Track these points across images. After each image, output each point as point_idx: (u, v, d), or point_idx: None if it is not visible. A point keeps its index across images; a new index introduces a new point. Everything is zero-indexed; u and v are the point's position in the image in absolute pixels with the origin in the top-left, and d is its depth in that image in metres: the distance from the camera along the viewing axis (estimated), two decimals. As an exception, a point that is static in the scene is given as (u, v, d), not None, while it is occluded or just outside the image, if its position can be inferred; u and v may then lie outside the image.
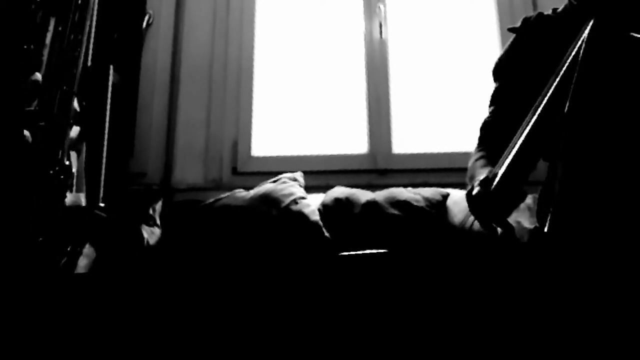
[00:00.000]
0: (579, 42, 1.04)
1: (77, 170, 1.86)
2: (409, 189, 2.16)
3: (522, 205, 1.07)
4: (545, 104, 1.04)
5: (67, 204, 1.71)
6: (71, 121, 1.75)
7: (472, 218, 1.11)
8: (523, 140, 1.05)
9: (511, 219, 1.06)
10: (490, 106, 1.37)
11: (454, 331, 1.47)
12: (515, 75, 1.32)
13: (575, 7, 1.23)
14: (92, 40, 1.97)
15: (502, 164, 1.06)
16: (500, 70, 1.38)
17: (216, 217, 2.03)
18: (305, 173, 2.28)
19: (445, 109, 2.55)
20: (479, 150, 1.30)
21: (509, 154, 1.06)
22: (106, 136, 2.09)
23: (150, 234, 1.99)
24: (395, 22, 2.66)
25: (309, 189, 2.20)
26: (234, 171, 2.47)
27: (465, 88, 2.55)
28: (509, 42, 1.39)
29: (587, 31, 1.04)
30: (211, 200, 2.12)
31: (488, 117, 1.36)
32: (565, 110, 1.00)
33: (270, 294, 1.55)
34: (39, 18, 1.70)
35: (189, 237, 2.01)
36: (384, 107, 2.54)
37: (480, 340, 1.44)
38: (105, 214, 1.85)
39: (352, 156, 2.49)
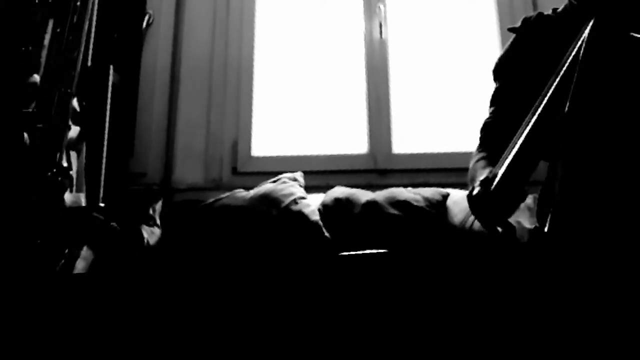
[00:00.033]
0: (579, 42, 1.04)
1: (77, 170, 1.86)
2: (409, 189, 2.16)
3: (522, 205, 1.07)
4: (545, 104, 1.04)
5: (67, 204, 1.71)
6: (70, 123, 1.75)
7: (472, 218, 1.11)
8: (523, 141, 1.05)
9: (511, 219, 1.06)
10: (490, 107, 1.37)
11: (454, 331, 1.47)
12: (516, 76, 1.32)
13: (575, 7, 1.23)
14: (92, 41, 1.97)
15: (502, 164, 1.06)
16: (500, 71, 1.38)
17: (216, 217, 2.03)
18: (305, 173, 2.28)
19: (445, 109, 2.55)
20: (480, 152, 1.29)
21: (509, 154, 1.06)
22: (106, 136, 2.09)
23: (150, 234, 1.99)
24: (395, 22, 2.66)
25: (309, 189, 2.20)
26: (234, 171, 2.47)
27: (465, 88, 2.55)
28: (509, 42, 1.39)
29: (587, 31, 1.04)
30: (211, 200, 2.12)
31: (488, 118, 1.36)
32: (565, 110, 1.00)
33: (271, 294, 1.55)
34: (38, 19, 1.70)
35: (188, 237, 2.01)
36: (384, 107, 2.54)
37: (481, 340, 1.44)
38: (103, 216, 1.85)
39: (352, 156, 2.49)
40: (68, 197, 1.73)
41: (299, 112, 2.59)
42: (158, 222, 2.09)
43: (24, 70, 1.62)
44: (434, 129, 2.53)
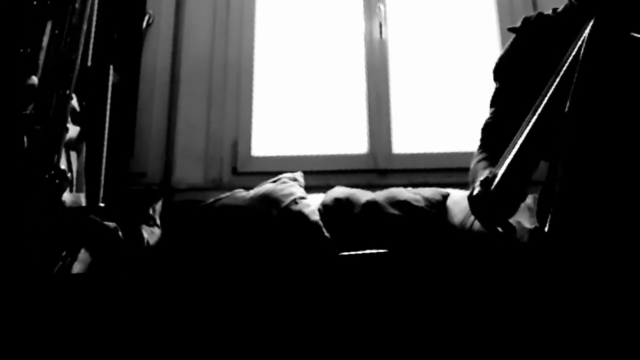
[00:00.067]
0: (579, 42, 1.04)
1: (77, 170, 1.86)
2: (409, 189, 2.16)
3: (522, 205, 1.07)
4: (545, 104, 1.04)
5: (67, 204, 1.71)
6: (69, 123, 1.74)
7: (472, 218, 1.11)
8: (523, 141, 1.05)
9: (511, 219, 1.06)
10: (490, 107, 1.37)
11: (454, 331, 1.47)
12: (516, 76, 1.31)
13: (576, 7, 1.23)
14: (92, 41, 1.97)
15: (502, 164, 1.06)
16: (500, 71, 1.38)
17: (216, 217, 2.03)
18: (305, 173, 2.28)
19: (445, 108, 2.55)
20: (481, 152, 1.29)
21: (509, 154, 1.06)
22: (106, 136, 2.09)
23: (150, 234, 1.99)
24: (395, 22, 2.66)
25: (309, 189, 2.20)
26: (234, 171, 2.47)
27: (465, 88, 2.55)
28: (509, 42, 1.39)
29: (587, 31, 1.04)
30: (211, 200, 2.12)
31: (489, 119, 1.36)
32: (566, 110, 1.00)
33: (271, 294, 1.55)
34: (36, 21, 1.69)
35: (189, 237, 2.01)
36: (384, 107, 2.54)
37: (481, 340, 1.44)
38: (103, 216, 1.84)
39: (352, 156, 2.49)
40: (68, 197, 1.73)
41: (299, 112, 2.59)
42: (158, 222, 2.09)
43: (22, 72, 1.62)
44: (434, 129, 2.53)
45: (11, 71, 1.60)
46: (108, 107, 2.12)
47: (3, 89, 1.58)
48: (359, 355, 1.48)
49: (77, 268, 1.64)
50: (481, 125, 1.37)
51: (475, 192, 1.08)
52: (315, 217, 2.02)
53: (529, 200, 1.27)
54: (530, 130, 1.04)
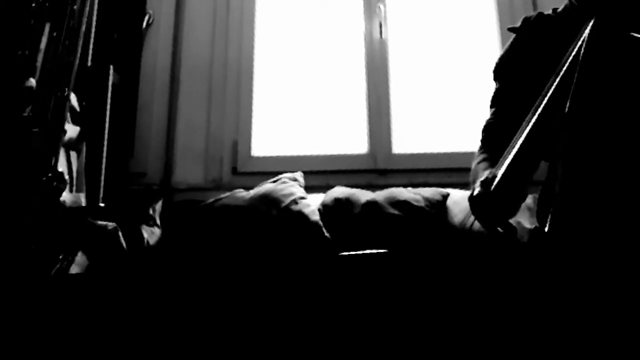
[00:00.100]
0: (579, 42, 1.04)
1: (77, 170, 1.86)
2: (409, 189, 2.16)
3: (522, 205, 1.07)
4: (545, 104, 1.04)
5: (67, 205, 1.71)
6: (67, 125, 1.74)
7: (472, 218, 1.11)
8: (523, 141, 1.05)
9: (512, 219, 1.05)
10: (491, 107, 1.37)
11: (454, 331, 1.47)
12: (516, 76, 1.31)
13: (576, 7, 1.23)
14: (92, 41, 1.97)
15: (502, 165, 1.06)
16: (500, 71, 1.38)
17: (216, 217, 2.03)
18: (305, 173, 2.28)
19: (446, 109, 2.55)
20: (482, 152, 1.29)
21: (509, 154, 1.06)
22: (106, 136, 2.09)
23: (150, 234, 1.99)
24: (395, 22, 2.66)
25: (309, 189, 2.20)
26: (234, 171, 2.47)
27: (465, 88, 2.55)
28: (509, 42, 1.39)
29: (587, 31, 1.04)
30: (211, 200, 2.12)
31: (489, 119, 1.36)
32: (566, 110, 1.00)
33: (271, 294, 1.55)
34: (34, 23, 1.69)
35: (188, 237, 2.01)
36: (384, 107, 2.54)
37: (481, 340, 1.44)
38: (103, 216, 1.84)
39: (352, 156, 2.49)
40: (68, 197, 1.73)
41: (299, 112, 2.59)
42: (158, 222, 2.09)
43: (20, 74, 1.61)
44: (434, 129, 2.53)
45: (9, 73, 1.60)
46: (108, 107, 2.12)
47: (1, 91, 1.57)
48: (359, 355, 1.48)
49: (74, 271, 1.64)
50: (482, 126, 1.37)
51: (475, 193, 1.08)
52: (315, 217, 2.02)
53: (529, 200, 1.27)
54: (530, 130, 1.04)
